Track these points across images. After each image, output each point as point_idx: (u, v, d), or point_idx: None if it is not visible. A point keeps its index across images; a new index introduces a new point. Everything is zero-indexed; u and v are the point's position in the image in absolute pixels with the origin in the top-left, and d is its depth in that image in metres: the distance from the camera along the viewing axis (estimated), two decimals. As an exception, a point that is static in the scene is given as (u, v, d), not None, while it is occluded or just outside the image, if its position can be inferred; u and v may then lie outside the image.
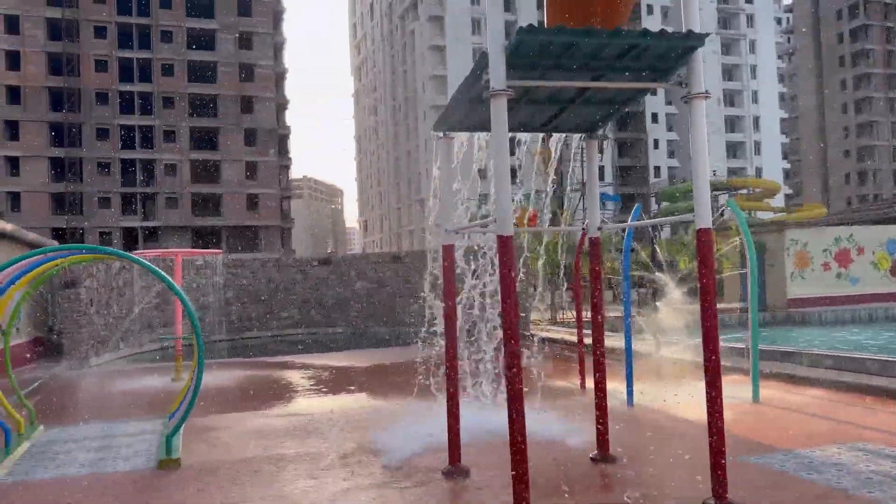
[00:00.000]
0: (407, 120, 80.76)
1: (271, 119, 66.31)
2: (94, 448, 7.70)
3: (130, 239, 60.84)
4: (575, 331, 17.85)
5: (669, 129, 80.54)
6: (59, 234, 57.99)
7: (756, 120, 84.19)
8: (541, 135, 7.80)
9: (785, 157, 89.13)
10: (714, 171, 74.96)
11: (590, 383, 10.89)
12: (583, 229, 6.97)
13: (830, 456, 6.48)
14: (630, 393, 9.28)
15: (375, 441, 7.62)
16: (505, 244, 4.89)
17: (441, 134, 6.56)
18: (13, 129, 59.27)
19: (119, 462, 7.08)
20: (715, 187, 55.34)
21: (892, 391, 9.17)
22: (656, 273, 12.86)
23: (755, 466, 6.30)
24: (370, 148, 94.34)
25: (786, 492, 5.57)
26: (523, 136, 8.02)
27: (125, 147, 61.87)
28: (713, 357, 5.34)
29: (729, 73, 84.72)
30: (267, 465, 6.76)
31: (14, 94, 59.33)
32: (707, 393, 5.39)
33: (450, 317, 6.50)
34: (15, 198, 59.17)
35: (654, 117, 78.73)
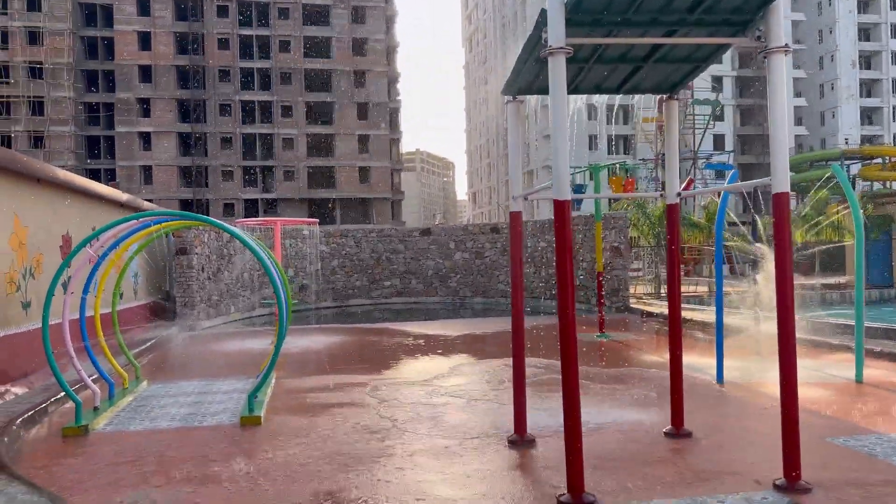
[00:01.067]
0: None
1: (383, 93, 67.30)
2: (188, 403, 8.16)
3: (252, 210, 63.71)
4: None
5: (797, 94, 75.73)
6: (186, 206, 61.59)
7: (895, 83, 77.74)
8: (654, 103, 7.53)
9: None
10: (846, 139, 70.09)
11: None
12: (661, 194, 6.67)
13: (929, 441, 5.99)
14: (720, 369, 8.88)
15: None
16: (561, 209, 4.75)
17: (510, 97, 6.42)
18: (146, 106, 63.05)
19: (207, 417, 7.47)
20: (846, 156, 51.77)
21: None
22: (756, 245, 12.16)
23: (842, 448, 5.91)
24: (480, 120, 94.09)
25: (870, 475, 5.19)
26: (637, 103, 7.65)
27: (245, 122, 64.59)
28: (787, 330, 5.02)
29: (867, 32, 78.48)
30: (333, 424, 6.96)
31: (146, 74, 63.01)
32: (781, 368, 5.07)
33: (516, 285, 6.41)
34: (147, 171, 63.11)
35: (780, 82, 74.11)
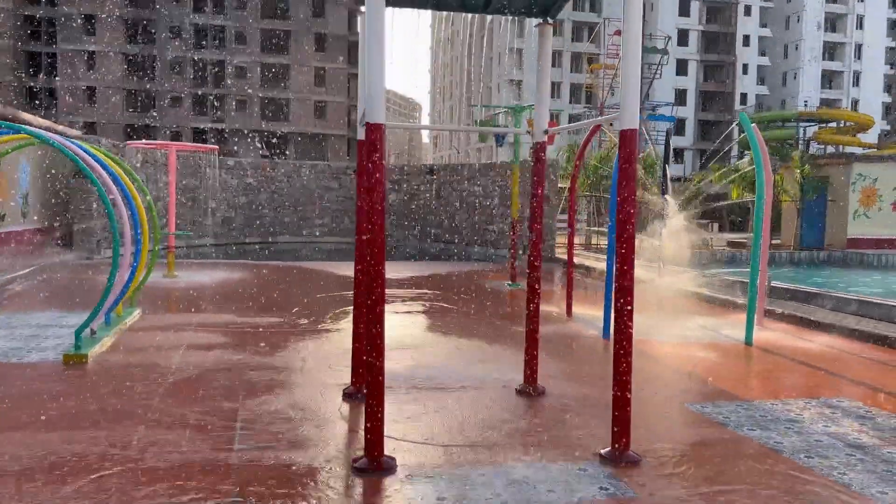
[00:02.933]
0: (482, 31, 78.10)
1: (342, 24, 65.06)
2: (23, 337, 7.45)
3: (201, 140, 61.70)
4: (597, 255, 16.93)
5: (762, 53, 75.33)
6: (132, 131, 59.39)
7: (858, 48, 77.72)
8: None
9: (888, 89, 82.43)
10: (805, 101, 70.15)
11: (577, 309, 10.18)
12: (527, 131, 6.05)
13: (790, 411, 5.59)
14: (606, 323, 8.42)
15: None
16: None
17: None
18: (91, 23, 60.02)
19: (33, 353, 6.79)
20: (802, 118, 51.78)
21: (909, 344, 8.06)
22: (663, 197, 11.68)
23: (696, 416, 5.48)
24: (445, 60, 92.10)
25: (708, 449, 4.75)
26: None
27: (198, 47, 62.03)
28: (625, 283, 4.47)
29: (834, -6, 78.01)
30: (165, 368, 6.35)
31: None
32: (616, 326, 4.55)
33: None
34: (92, 92, 60.45)
35: (746, 40, 73.55)
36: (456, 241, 21.49)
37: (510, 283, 13.02)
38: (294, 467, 4.18)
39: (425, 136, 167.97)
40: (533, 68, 69.23)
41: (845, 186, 20.36)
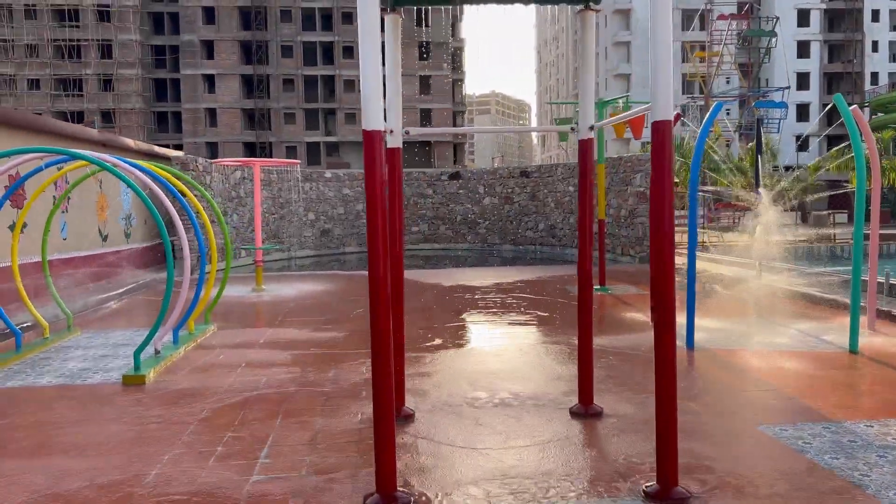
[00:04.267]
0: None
1: (445, 32, 65.46)
2: (94, 357, 7.64)
3: (315, 153, 63.71)
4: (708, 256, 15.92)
5: (894, 28, 69.69)
6: (250, 148, 62.17)
7: None
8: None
9: None
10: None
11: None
12: (572, 128, 5.56)
13: (888, 434, 4.83)
14: (690, 332, 7.73)
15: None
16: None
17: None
18: (209, 48, 63.33)
19: (98, 374, 6.92)
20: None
21: None
22: (756, 191, 10.70)
23: (771, 440, 4.82)
24: (550, 59, 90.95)
25: (775, 483, 4.11)
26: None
27: (307, 63, 64.13)
28: (665, 287, 3.93)
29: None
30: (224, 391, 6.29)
31: (209, 15, 63.11)
32: (656, 337, 3.99)
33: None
34: (212, 114, 63.75)
35: (875, 15, 68.25)
36: (552, 243, 20.88)
37: (598, 287, 12.38)
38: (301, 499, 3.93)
39: (534, 136, 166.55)
40: (639, 61, 67.10)
41: None
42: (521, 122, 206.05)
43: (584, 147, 5.36)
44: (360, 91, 3.85)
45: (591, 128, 5.33)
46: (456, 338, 8.76)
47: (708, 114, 7.57)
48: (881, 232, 19.90)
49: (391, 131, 5.27)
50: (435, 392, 6.15)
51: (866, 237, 8.29)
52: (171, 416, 5.58)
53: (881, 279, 10.21)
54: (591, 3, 5.25)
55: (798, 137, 55.34)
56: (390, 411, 3.86)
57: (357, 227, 22.73)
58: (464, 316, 10.37)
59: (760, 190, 10.66)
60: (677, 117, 9.03)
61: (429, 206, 23.07)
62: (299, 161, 14.16)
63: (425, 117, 65.19)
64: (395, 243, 5.43)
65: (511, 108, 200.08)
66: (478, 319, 10.11)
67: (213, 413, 5.62)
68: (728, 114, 51.53)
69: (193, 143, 61.64)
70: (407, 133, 5.43)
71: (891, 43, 69.02)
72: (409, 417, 5.38)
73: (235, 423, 5.37)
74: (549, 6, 5.28)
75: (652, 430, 4.16)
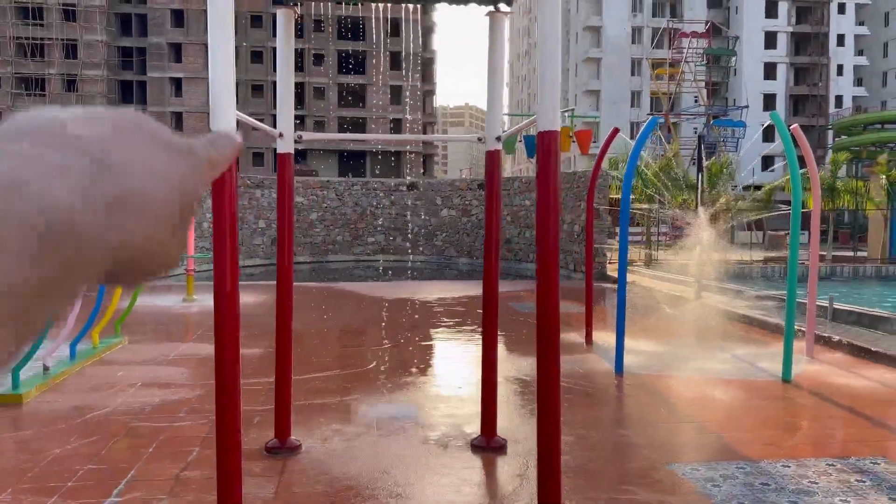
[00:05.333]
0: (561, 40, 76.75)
1: (416, 43, 65.31)
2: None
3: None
4: (658, 274, 15.67)
5: (859, 52, 70.92)
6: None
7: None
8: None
9: None
10: (909, 101, 65.36)
11: (600, 337, 9.10)
12: (479, 139, 5.19)
13: (804, 477, 4.48)
14: (619, 355, 7.36)
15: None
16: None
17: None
18: (177, 51, 62.45)
19: (-20, 390, 6.35)
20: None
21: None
22: (694, 209, 10.44)
23: (678, 481, 4.44)
24: (522, 74, 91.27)
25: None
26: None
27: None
28: (545, 308, 3.53)
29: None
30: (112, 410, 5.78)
31: (178, 18, 62.28)
32: (539, 364, 3.59)
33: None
34: (178, 118, 62.76)
35: (841, 39, 69.43)
36: (508, 257, 20.56)
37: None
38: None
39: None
40: (611, 76, 67.50)
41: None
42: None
43: (492, 158, 4.99)
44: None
45: (498, 138, 4.96)
46: (382, 361, 8.32)
47: (641, 129, 7.25)
48: (834, 254, 19.90)
49: (281, 135, 4.85)
50: (331, 418, 5.71)
51: (823, 258, 8.02)
52: (35, 442, 5.07)
53: (824, 303, 9.98)
54: (499, 6, 4.88)
55: (764, 158, 55.85)
56: (237, 452, 3.42)
57: (311, 235, 22.21)
58: (398, 335, 9.93)
59: (699, 209, 10.41)
60: (615, 132, 8.72)
61: (385, 217, 22.64)
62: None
63: (395, 127, 64.85)
64: (284, 257, 5.01)
65: (484, 121, 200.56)
66: (417, 336, 9.67)
67: (81, 440, 5.12)
68: (695, 131, 51.88)
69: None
70: (300, 138, 5.01)
71: (855, 67, 70.26)
72: (294, 449, 4.93)
73: (102, 452, 4.87)
74: (458, 5, 4.88)
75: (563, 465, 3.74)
